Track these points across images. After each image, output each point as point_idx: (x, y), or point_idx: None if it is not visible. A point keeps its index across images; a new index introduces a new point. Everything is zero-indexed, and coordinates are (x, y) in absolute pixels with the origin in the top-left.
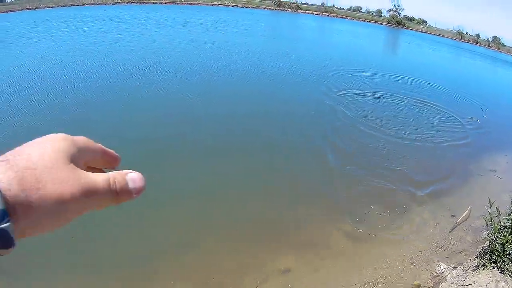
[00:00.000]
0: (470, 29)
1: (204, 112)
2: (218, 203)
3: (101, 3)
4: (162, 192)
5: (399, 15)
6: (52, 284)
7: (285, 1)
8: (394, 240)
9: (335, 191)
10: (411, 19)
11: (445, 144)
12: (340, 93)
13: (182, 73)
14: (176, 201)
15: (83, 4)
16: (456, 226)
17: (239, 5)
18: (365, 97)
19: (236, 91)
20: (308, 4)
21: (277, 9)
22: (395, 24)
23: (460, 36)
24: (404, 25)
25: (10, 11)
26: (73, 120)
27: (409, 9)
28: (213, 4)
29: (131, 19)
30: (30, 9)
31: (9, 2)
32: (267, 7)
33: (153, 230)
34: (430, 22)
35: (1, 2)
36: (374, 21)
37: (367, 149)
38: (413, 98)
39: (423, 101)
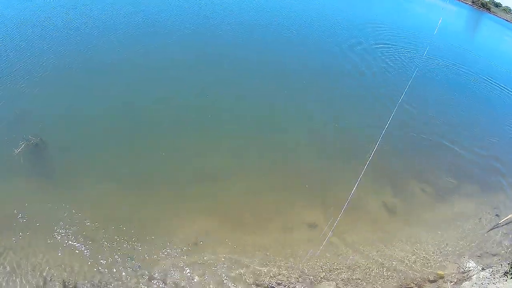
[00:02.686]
0: None
1: None
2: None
3: None
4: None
5: None
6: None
7: None
8: (431, 223)
9: (384, 157)
10: (497, 5)
11: None
12: None
13: None
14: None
15: None
16: (497, 227)
17: None
18: None
19: None
20: None
21: None
22: (480, 6)
23: None
24: (489, 9)
25: None
26: None
27: None
28: None
29: None
30: None
31: None
32: None
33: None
34: None
35: None
36: None
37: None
38: None
39: None
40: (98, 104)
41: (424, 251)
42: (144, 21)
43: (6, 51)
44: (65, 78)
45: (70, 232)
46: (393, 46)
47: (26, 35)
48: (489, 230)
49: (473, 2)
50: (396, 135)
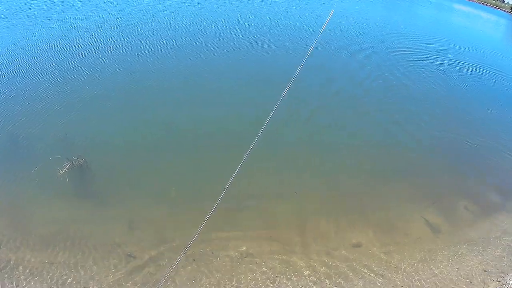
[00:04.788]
0: None
1: None
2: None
3: None
4: None
5: None
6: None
7: None
8: (474, 240)
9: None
10: None
11: None
12: None
13: None
14: None
15: None
16: None
17: None
18: None
19: None
20: None
21: None
22: None
23: None
24: None
25: None
26: None
27: None
28: None
29: None
30: None
31: None
32: None
33: None
34: None
35: None
36: (496, 6)
37: None
38: None
39: None
40: (142, 125)
41: (466, 269)
42: (195, 41)
43: (51, 72)
44: (109, 100)
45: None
46: None
47: (70, 56)
48: None
49: (511, 9)
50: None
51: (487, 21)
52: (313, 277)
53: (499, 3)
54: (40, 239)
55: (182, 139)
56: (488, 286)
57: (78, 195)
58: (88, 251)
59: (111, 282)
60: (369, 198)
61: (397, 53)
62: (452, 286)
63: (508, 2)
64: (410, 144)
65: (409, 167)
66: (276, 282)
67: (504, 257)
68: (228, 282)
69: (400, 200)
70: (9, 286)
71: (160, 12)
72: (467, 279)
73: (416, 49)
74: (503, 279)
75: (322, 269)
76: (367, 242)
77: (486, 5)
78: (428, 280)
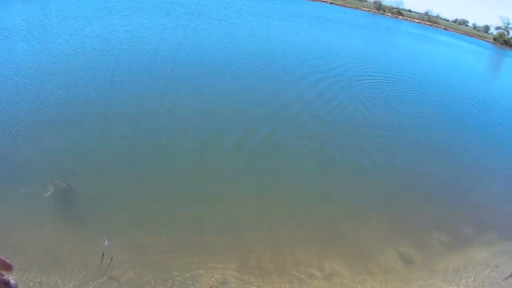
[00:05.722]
0: None
1: None
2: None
3: None
4: None
5: (508, 34)
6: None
7: (385, 6)
8: (447, 272)
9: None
10: None
11: None
12: None
13: None
14: None
15: None
16: None
17: (337, 3)
18: None
19: None
20: (410, 11)
21: (376, 12)
22: (502, 44)
23: None
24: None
25: None
26: None
27: None
28: None
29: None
30: None
31: None
32: (366, 9)
33: None
34: None
35: None
36: (480, 37)
37: None
38: None
39: None
40: (125, 151)
41: None
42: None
43: (36, 93)
44: (93, 124)
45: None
46: None
47: (57, 79)
48: (506, 279)
49: (494, 39)
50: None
51: (471, 52)
52: None
53: (482, 34)
54: (25, 260)
55: (165, 165)
56: None
57: (61, 219)
58: (69, 273)
59: None
60: (341, 228)
61: (372, 82)
62: None
63: (491, 33)
64: (383, 173)
65: (381, 197)
66: None
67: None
68: None
69: (374, 231)
70: None
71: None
72: None
73: (393, 78)
74: None
75: None
76: (340, 272)
77: (469, 35)
78: None
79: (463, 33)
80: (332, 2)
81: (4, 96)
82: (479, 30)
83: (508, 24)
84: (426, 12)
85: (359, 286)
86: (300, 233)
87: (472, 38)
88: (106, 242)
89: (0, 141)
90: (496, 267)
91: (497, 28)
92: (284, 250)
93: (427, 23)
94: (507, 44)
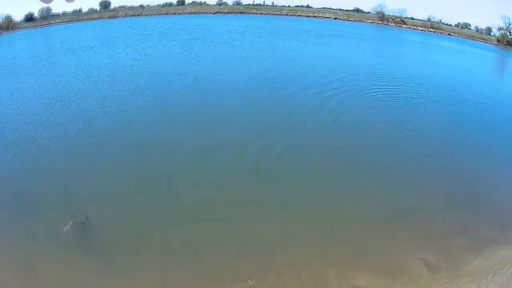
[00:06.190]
0: None
1: None
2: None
3: (201, 12)
4: None
5: (511, 35)
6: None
7: (388, 15)
8: (473, 275)
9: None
10: None
11: None
12: None
13: None
14: None
15: (185, 13)
16: None
17: (340, 17)
18: None
19: None
20: (413, 18)
21: (380, 23)
22: (505, 44)
23: None
24: None
25: (114, 17)
26: None
27: None
28: (313, 16)
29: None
30: (133, 15)
31: (113, 8)
32: (369, 21)
33: None
34: None
35: (105, 8)
36: (483, 39)
37: None
38: None
39: None
40: (143, 181)
41: None
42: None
43: (48, 127)
44: (109, 154)
45: None
46: None
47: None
48: None
49: (498, 41)
50: None
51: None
52: None
53: (485, 36)
54: None
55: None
56: None
57: (81, 254)
58: None
59: None
60: (364, 242)
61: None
62: None
63: (494, 34)
64: (404, 181)
65: (402, 207)
66: None
67: (504, 285)
68: None
69: (396, 242)
70: None
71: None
72: None
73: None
74: None
75: None
76: (367, 286)
77: (473, 39)
78: None
79: (466, 37)
80: (336, 18)
81: (10, 127)
82: (482, 33)
83: (510, 24)
84: (428, 19)
85: None
86: (323, 250)
87: (476, 41)
88: None
89: (12, 176)
90: None
91: (500, 29)
92: (308, 267)
93: (431, 30)
94: (510, 45)
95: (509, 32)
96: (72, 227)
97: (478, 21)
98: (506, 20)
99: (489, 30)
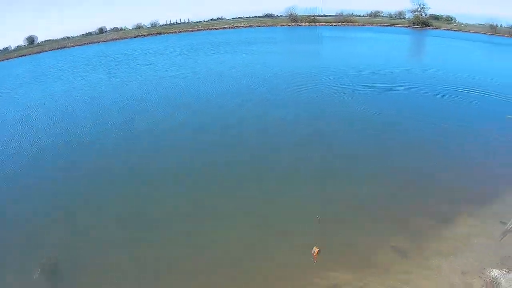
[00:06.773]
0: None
1: None
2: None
3: (122, 38)
4: None
5: (425, 15)
6: None
7: (301, 16)
8: (444, 251)
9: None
10: (437, 17)
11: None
12: None
13: None
14: None
15: (107, 40)
16: (507, 233)
17: (254, 25)
18: None
19: None
20: (325, 15)
21: (293, 25)
22: (421, 25)
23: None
24: (431, 25)
25: (42, 51)
26: None
27: (435, 7)
28: (229, 27)
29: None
30: (58, 48)
31: (40, 42)
32: (283, 24)
33: None
34: (460, 18)
35: (32, 43)
36: (397, 24)
37: None
38: None
39: None
40: (110, 217)
41: (446, 278)
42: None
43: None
44: (73, 193)
45: None
46: None
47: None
48: (502, 238)
49: (413, 23)
50: None
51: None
52: None
53: (398, 20)
54: None
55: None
56: (472, 285)
57: None
58: None
59: None
60: (335, 237)
61: None
62: None
63: (408, 18)
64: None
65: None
66: None
67: (475, 256)
68: None
69: (365, 233)
70: None
71: None
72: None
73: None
74: (483, 274)
75: None
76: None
77: (387, 25)
78: None
79: (379, 25)
80: (251, 25)
81: None
82: (395, 18)
83: (423, 5)
84: (340, 13)
85: None
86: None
87: (391, 27)
88: None
89: None
90: (487, 231)
91: (413, 11)
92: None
93: (344, 23)
94: (425, 25)
95: (423, 13)
96: (41, 273)
97: (388, 7)
98: (416, 1)
99: (400, 14)
